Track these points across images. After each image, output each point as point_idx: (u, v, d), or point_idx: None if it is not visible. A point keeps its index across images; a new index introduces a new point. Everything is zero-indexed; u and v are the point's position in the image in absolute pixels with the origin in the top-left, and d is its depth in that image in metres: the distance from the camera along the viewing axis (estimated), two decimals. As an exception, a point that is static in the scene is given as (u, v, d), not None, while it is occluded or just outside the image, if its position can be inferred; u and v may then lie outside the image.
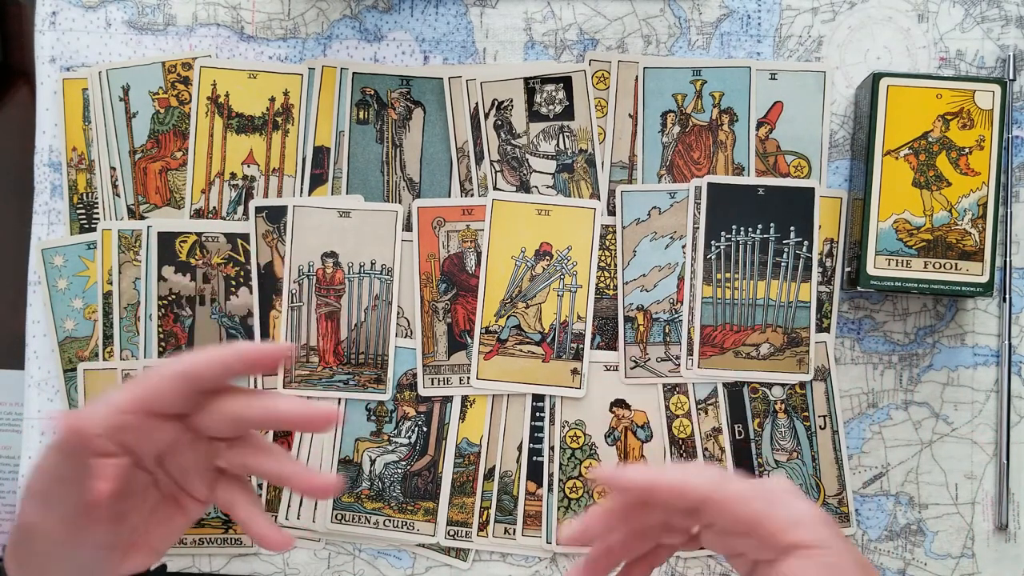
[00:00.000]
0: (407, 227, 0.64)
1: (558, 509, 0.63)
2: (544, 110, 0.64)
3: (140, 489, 0.51)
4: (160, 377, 0.46)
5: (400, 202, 0.64)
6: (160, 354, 0.64)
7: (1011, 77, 0.63)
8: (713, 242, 0.63)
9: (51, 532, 0.47)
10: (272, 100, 0.65)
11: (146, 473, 0.51)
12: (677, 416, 0.64)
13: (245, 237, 0.64)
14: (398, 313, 0.64)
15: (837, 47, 0.64)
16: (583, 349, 0.64)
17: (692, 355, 0.63)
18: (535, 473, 0.64)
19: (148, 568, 0.54)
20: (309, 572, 0.64)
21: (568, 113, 0.64)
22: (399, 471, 0.64)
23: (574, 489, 0.63)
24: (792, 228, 0.63)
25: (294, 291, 0.64)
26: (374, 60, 0.65)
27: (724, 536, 0.45)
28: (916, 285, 0.59)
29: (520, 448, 0.64)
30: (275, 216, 0.64)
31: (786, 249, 0.63)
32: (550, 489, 0.64)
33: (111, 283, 0.64)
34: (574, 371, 0.64)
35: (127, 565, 0.52)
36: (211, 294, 0.64)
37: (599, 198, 0.64)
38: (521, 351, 0.64)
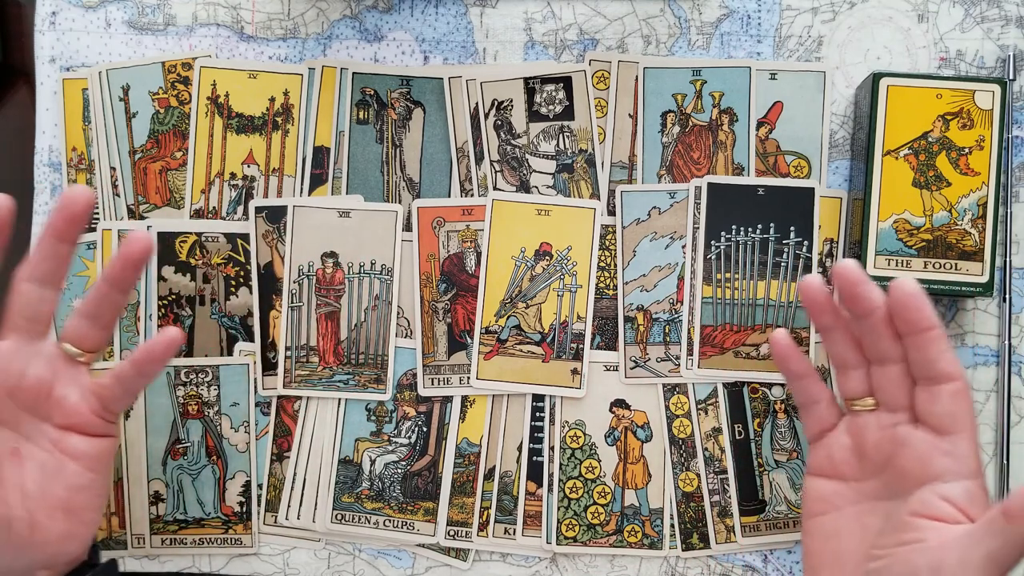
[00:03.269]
0: (407, 227, 0.64)
1: (558, 509, 0.63)
2: (544, 110, 0.64)
3: (6, 451, 0.52)
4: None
5: (400, 202, 0.64)
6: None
7: (1011, 77, 0.63)
8: (713, 242, 0.63)
9: None
10: (272, 100, 0.65)
11: (9, 431, 0.53)
12: (677, 416, 0.64)
13: (245, 237, 0.64)
14: (398, 313, 0.64)
15: (837, 47, 0.64)
16: (583, 349, 0.64)
17: (692, 355, 0.63)
18: (535, 473, 0.64)
19: (87, 555, 0.53)
20: (309, 572, 0.64)
21: (568, 113, 0.64)
22: (399, 471, 0.64)
23: (574, 489, 0.63)
24: (792, 228, 0.63)
25: (294, 291, 0.64)
26: (374, 60, 0.65)
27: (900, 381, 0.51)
28: (916, 285, 0.59)
29: (520, 448, 0.64)
30: (275, 216, 0.64)
31: (786, 249, 0.63)
32: (550, 489, 0.64)
33: (111, 283, 0.64)
34: (574, 371, 0.64)
35: (45, 544, 0.51)
36: (211, 294, 0.64)
37: (599, 198, 0.64)
38: (521, 351, 0.64)
